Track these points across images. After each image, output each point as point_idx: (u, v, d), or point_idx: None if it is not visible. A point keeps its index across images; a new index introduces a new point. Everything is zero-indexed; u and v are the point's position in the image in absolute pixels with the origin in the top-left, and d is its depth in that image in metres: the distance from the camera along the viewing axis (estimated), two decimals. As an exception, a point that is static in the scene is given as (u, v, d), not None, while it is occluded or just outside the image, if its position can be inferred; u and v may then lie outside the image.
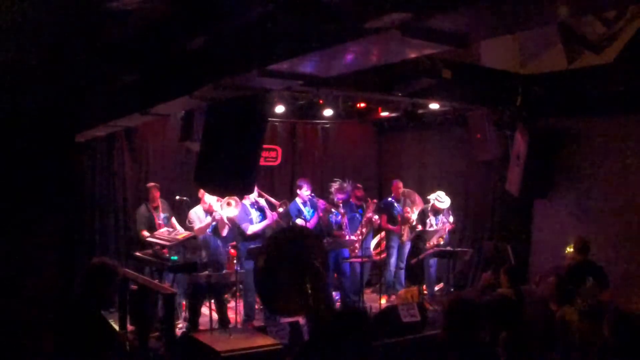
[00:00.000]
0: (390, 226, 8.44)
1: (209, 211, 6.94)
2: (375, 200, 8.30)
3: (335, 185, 7.93)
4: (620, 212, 6.67)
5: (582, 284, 5.17)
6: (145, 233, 7.13)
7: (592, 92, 6.40)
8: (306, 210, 7.58)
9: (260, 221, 7.16)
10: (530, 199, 7.65)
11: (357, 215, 8.10)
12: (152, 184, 7.42)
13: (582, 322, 4.64)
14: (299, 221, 7.40)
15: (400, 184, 8.70)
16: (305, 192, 7.61)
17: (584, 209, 7.06)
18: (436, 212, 8.27)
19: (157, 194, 7.31)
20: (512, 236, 7.80)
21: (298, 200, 7.66)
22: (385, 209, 8.34)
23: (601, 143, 6.90)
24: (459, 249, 8.04)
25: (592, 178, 7.01)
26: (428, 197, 8.37)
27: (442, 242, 8.14)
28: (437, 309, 7.23)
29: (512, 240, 7.66)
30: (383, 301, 7.97)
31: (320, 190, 8.94)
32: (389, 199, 8.51)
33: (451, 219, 8.30)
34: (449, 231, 8.27)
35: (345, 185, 7.92)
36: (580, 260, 5.72)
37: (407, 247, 8.63)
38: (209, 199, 6.87)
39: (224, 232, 7.00)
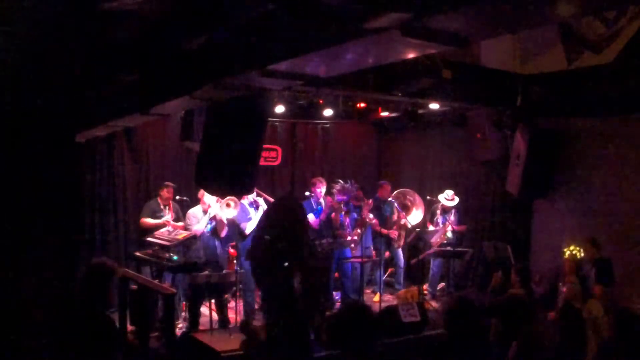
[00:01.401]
0: (384, 230, 8.35)
1: (207, 212, 6.97)
2: (370, 201, 8.29)
3: (337, 187, 7.93)
4: (620, 211, 6.66)
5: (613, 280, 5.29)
6: (146, 220, 7.28)
7: (592, 92, 6.40)
8: (317, 209, 7.76)
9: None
10: (530, 199, 7.65)
11: (355, 215, 8.12)
12: (170, 184, 7.54)
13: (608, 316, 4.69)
14: (311, 217, 7.57)
15: (388, 187, 8.60)
16: (317, 190, 7.84)
17: (583, 209, 7.06)
18: (445, 210, 8.27)
19: (171, 194, 7.46)
20: (512, 236, 7.80)
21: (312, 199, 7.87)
22: (374, 209, 8.32)
23: (601, 143, 6.90)
24: (459, 249, 8.05)
25: (591, 178, 7.00)
26: (436, 197, 8.37)
27: (445, 241, 8.14)
28: (438, 309, 7.24)
29: (512, 240, 7.65)
30: (376, 298, 7.99)
31: (321, 190, 8.97)
32: (376, 197, 8.48)
33: (455, 218, 8.30)
34: (459, 232, 8.27)
35: (347, 186, 7.92)
36: (601, 256, 5.79)
37: (400, 250, 8.59)
38: (209, 199, 6.89)
39: (223, 233, 7.01)
